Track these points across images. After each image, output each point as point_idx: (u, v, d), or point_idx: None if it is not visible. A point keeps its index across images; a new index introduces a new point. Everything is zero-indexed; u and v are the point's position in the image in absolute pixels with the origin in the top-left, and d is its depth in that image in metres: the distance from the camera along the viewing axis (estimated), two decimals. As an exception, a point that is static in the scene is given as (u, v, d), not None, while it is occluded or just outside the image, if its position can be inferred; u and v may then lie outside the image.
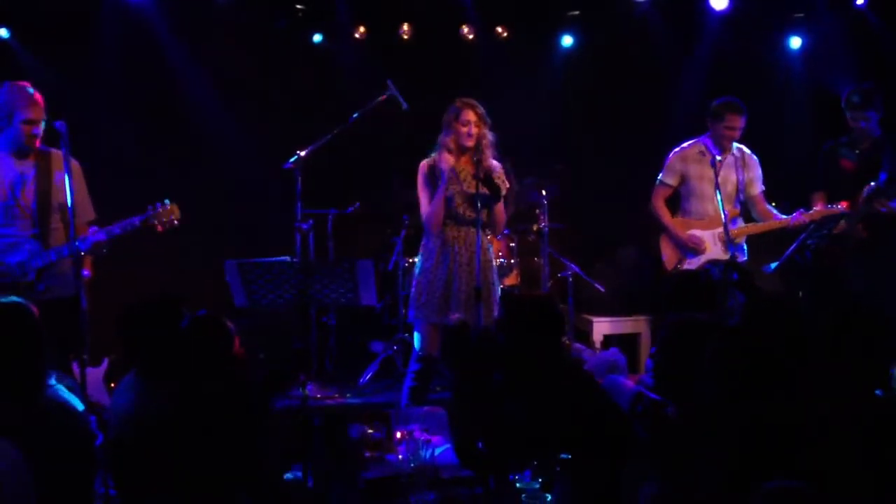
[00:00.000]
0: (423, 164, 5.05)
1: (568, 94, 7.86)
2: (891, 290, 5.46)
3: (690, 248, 5.67)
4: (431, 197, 4.97)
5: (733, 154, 5.67)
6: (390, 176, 7.15)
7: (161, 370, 3.29)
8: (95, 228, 4.53)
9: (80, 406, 3.20)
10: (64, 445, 3.00)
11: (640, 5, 7.33)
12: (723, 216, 5.24)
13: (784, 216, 5.61)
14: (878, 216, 5.47)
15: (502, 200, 4.92)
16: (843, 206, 5.47)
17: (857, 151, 5.69)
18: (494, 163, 5.01)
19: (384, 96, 5.46)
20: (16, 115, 4.42)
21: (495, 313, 4.86)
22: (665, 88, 7.70)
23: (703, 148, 5.68)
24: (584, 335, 7.16)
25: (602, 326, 7.09)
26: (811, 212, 5.53)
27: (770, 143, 6.21)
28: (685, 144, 5.80)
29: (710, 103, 5.73)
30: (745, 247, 5.74)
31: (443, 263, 4.94)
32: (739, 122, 5.58)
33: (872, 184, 5.41)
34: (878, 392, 2.98)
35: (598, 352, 6.61)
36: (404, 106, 5.65)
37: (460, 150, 4.97)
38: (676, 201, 5.89)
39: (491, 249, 5.13)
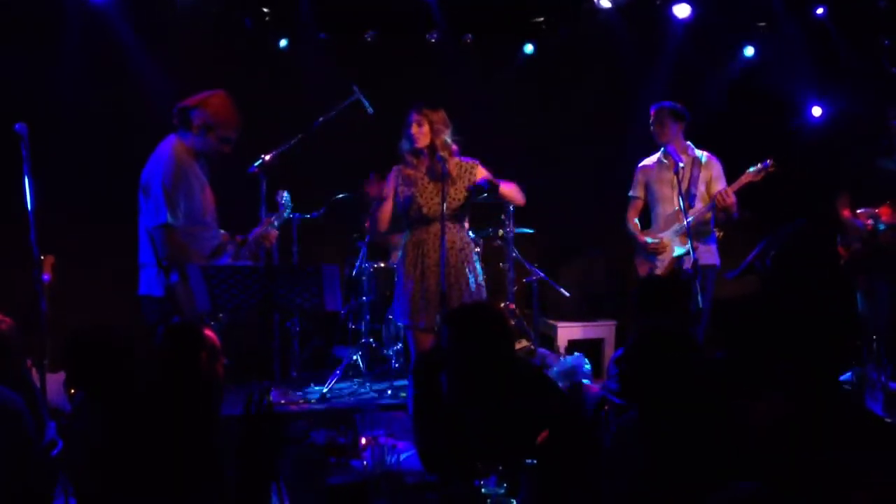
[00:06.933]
0: (397, 167, 5.02)
1: (533, 100, 7.90)
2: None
3: (650, 253, 5.77)
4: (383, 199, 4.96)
5: (689, 155, 5.76)
6: (355, 180, 7.12)
7: (113, 394, 3.18)
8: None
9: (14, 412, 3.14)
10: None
11: (604, 12, 7.39)
12: (683, 216, 5.31)
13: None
14: None
15: (500, 183, 4.82)
16: (767, 162, 5.50)
17: None
18: (463, 160, 4.90)
19: (350, 100, 5.43)
20: (218, 130, 4.46)
21: None
22: (628, 93, 7.76)
23: (661, 155, 5.80)
24: (549, 340, 7.19)
25: (567, 332, 7.13)
26: (731, 186, 5.55)
27: (731, 148, 6.27)
28: (647, 159, 5.93)
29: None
30: (715, 239, 5.79)
31: (414, 267, 4.90)
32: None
33: None
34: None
35: (562, 357, 6.64)
36: (369, 110, 5.63)
37: (414, 154, 4.91)
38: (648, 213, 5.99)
39: (468, 247, 4.99)
